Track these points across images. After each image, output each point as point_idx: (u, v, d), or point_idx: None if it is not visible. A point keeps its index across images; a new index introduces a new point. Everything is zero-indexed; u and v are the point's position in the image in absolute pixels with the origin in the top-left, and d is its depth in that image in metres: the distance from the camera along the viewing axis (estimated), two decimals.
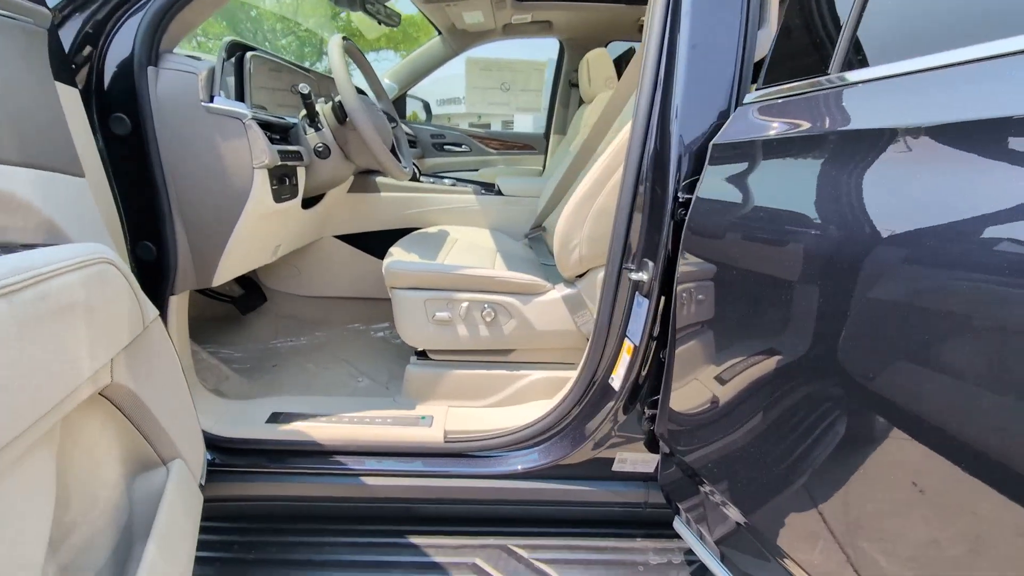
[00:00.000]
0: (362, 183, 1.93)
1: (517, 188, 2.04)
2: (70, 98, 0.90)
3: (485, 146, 3.04)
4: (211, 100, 1.08)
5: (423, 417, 1.32)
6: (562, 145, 2.78)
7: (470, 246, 1.70)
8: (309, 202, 1.54)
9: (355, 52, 1.49)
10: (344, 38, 1.34)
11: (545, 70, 3.19)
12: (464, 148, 3.02)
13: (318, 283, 2.01)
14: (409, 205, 1.97)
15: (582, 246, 1.28)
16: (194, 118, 1.06)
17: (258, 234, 1.27)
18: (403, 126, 1.88)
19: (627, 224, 1.08)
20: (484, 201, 2.02)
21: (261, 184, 1.14)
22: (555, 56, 2.92)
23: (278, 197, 1.23)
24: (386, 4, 1.72)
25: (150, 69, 1.03)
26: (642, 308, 1.07)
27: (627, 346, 1.13)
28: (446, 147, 3.01)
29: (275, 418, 1.30)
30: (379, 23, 1.81)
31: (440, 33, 2.59)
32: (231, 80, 1.27)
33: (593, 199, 1.25)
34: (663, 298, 1.03)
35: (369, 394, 1.51)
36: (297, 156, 1.29)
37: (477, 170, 3.00)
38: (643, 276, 1.03)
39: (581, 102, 2.85)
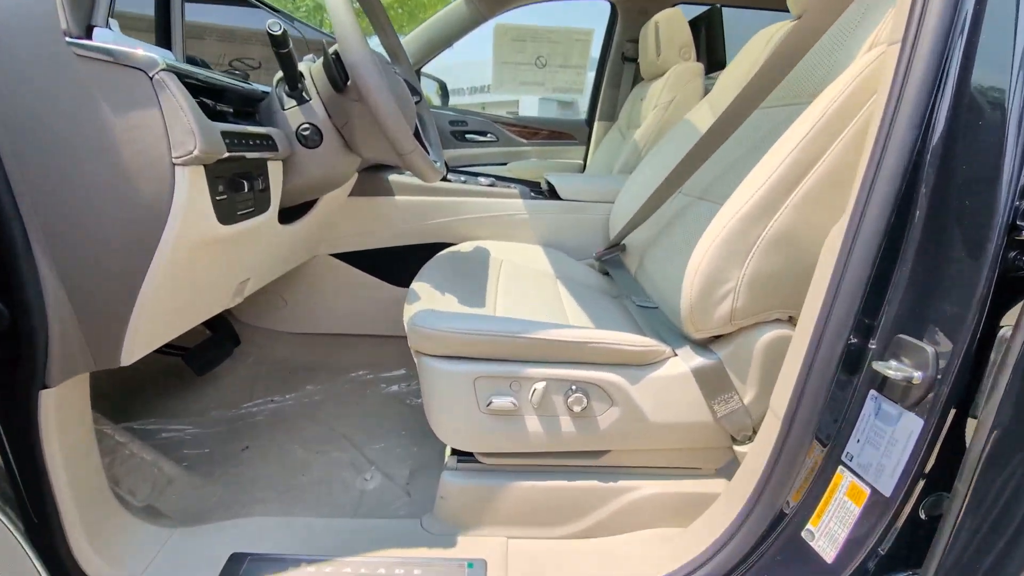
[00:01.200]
0: (369, 182, 1.41)
1: (579, 190, 1.51)
2: None
3: (515, 135, 2.52)
4: (88, 34, 0.57)
5: (469, 564, 0.82)
6: (612, 133, 2.28)
7: (522, 273, 1.19)
8: (293, 212, 1.03)
9: None
10: None
11: (591, 41, 2.65)
12: (490, 137, 2.51)
13: (309, 317, 1.50)
14: (434, 213, 1.45)
15: (739, 294, 0.78)
16: (54, 67, 0.56)
17: (199, 273, 0.76)
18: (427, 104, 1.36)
19: (870, 271, 0.59)
20: (535, 208, 1.49)
21: (191, 191, 0.63)
22: (600, 26, 2.40)
23: (229, 213, 0.72)
24: None
25: None
26: (898, 426, 0.59)
27: (850, 486, 0.64)
28: (468, 136, 2.49)
29: (235, 567, 0.80)
30: None
31: None
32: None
33: (765, 220, 0.74)
34: (953, 413, 0.56)
35: (381, 507, 1.00)
36: (266, 143, 0.78)
37: (506, 163, 2.49)
38: (912, 373, 0.55)
39: (636, 81, 2.35)
